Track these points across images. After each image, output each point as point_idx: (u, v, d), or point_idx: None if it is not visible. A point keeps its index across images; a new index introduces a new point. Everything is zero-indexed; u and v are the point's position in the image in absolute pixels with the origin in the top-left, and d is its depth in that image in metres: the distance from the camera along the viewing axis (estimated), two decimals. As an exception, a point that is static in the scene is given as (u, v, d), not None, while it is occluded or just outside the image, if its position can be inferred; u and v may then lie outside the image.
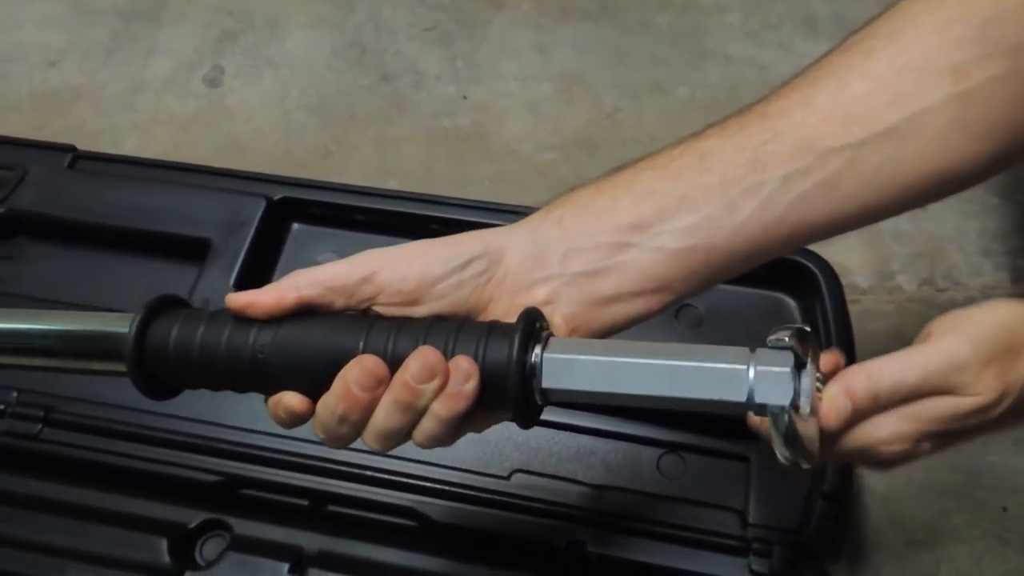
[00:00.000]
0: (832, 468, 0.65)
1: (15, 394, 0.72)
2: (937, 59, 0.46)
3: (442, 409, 0.42)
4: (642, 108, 0.92)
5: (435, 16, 1.01)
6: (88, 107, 0.98)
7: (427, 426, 0.43)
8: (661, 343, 0.43)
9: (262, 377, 0.45)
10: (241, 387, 0.46)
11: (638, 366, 0.42)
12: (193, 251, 0.80)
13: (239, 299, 0.45)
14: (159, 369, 0.46)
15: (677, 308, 0.75)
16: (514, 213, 0.79)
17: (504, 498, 0.66)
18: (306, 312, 0.45)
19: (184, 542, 0.68)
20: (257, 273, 0.80)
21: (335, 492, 0.68)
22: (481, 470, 0.67)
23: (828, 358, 0.46)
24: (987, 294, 0.75)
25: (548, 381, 0.43)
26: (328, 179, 0.84)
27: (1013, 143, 0.47)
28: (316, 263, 0.81)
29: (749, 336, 0.73)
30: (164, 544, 0.67)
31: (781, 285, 0.76)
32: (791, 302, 0.76)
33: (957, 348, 0.43)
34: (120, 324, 0.46)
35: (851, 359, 0.70)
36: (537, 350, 0.43)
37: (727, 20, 0.98)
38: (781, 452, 0.41)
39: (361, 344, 0.44)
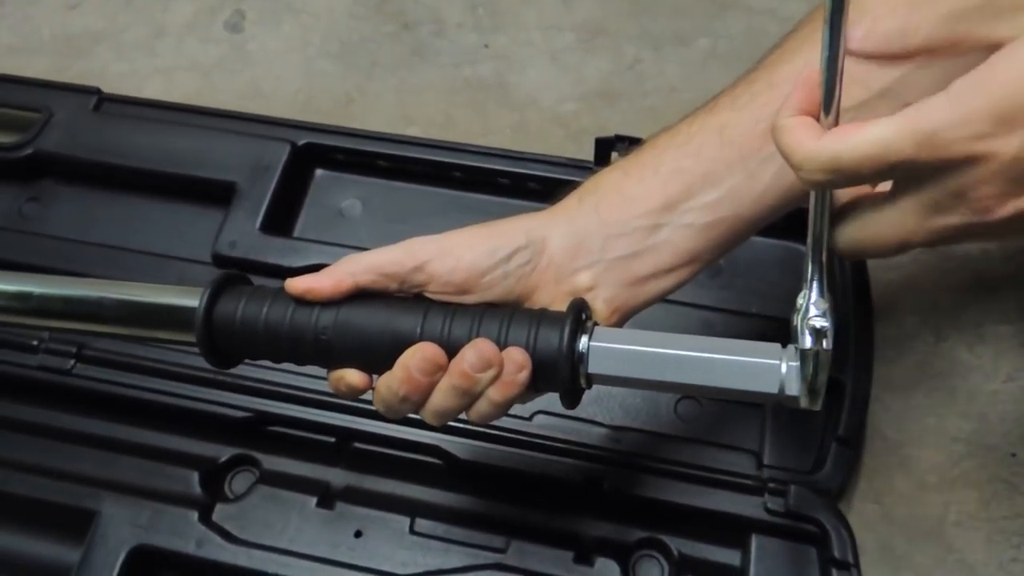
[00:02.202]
0: (846, 412, 0.67)
1: (47, 331, 0.74)
2: None
3: (496, 395, 0.46)
4: (663, 59, 0.92)
5: (455, -36, 1.01)
6: (109, 51, 0.98)
7: (481, 408, 0.47)
8: (698, 336, 0.47)
9: (324, 356, 0.49)
10: (303, 363, 0.50)
11: (678, 358, 0.45)
12: (218, 194, 0.81)
13: (298, 285, 0.48)
14: (225, 342, 0.50)
15: (696, 257, 0.77)
16: (536, 162, 0.80)
17: (526, 437, 0.68)
18: (362, 295, 0.49)
19: (214, 476, 0.71)
20: (282, 217, 0.81)
21: (361, 430, 0.70)
22: (504, 410, 0.69)
23: None
24: (1003, 247, 0.76)
25: (595, 369, 0.47)
26: (351, 126, 0.85)
27: None
28: (340, 209, 0.84)
29: (767, 284, 0.76)
30: (195, 477, 0.69)
31: (799, 235, 0.76)
32: (809, 252, 0.76)
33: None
34: (189, 298, 0.49)
35: (868, 310, 0.72)
36: (584, 340, 0.46)
37: (749, -28, 0.98)
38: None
39: (418, 329, 0.47)
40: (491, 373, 0.45)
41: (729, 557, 0.65)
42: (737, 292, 0.75)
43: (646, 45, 0.93)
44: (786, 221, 0.75)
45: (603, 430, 0.69)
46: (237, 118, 0.85)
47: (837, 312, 0.72)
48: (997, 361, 0.72)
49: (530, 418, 0.69)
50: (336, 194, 0.84)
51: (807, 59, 0.49)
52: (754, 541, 0.64)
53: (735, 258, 0.77)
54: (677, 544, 0.65)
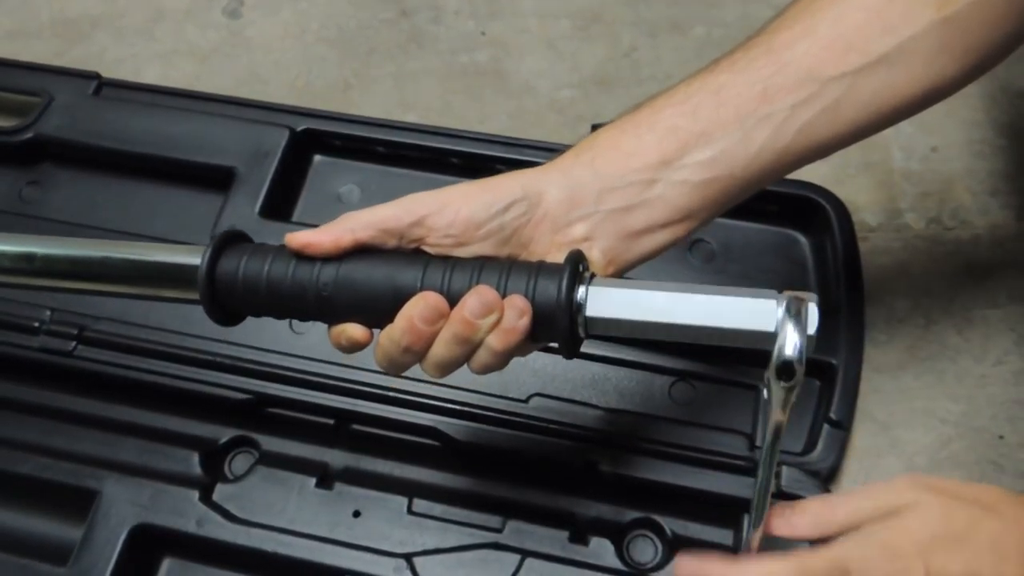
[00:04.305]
0: (837, 394, 0.68)
1: (49, 312, 0.75)
2: None
3: (497, 342, 0.46)
4: (659, 46, 0.93)
5: (453, -49, 1.01)
6: (108, 36, 0.99)
7: (482, 356, 0.47)
8: (695, 284, 0.47)
9: (327, 311, 0.49)
10: (306, 318, 0.51)
11: (675, 299, 0.46)
12: (218, 179, 0.81)
13: (298, 239, 0.49)
14: (228, 299, 0.50)
15: (690, 243, 0.78)
16: (532, 148, 0.81)
17: (522, 419, 0.69)
18: (362, 251, 0.49)
19: (214, 456, 0.71)
20: (281, 202, 0.82)
21: (360, 411, 0.70)
22: (501, 393, 0.70)
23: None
24: (993, 233, 0.77)
25: (592, 314, 0.47)
26: (349, 112, 0.85)
27: (987, 59, 0.52)
28: (338, 195, 0.85)
29: (760, 270, 0.77)
30: (196, 458, 0.70)
31: (793, 221, 0.78)
32: (802, 238, 0.78)
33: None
34: (192, 256, 0.50)
35: (859, 294, 0.73)
36: (582, 289, 0.47)
37: (745, -40, 0.98)
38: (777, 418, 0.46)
39: (419, 282, 0.48)
40: (492, 319, 0.46)
41: (721, 536, 0.66)
42: (731, 277, 0.76)
43: (642, 33, 0.94)
44: (781, 208, 0.77)
45: (598, 412, 0.69)
46: (237, 104, 0.85)
47: (829, 295, 0.73)
48: (986, 345, 0.73)
49: (526, 400, 0.70)
50: (334, 180, 0.85)
51: (806, 27, 0.51)
52: (746, 520, 0.65)
53: (729, 243, 0.78)
54: (670, 524, 0.66)
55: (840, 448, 0.67)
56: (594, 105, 0.90)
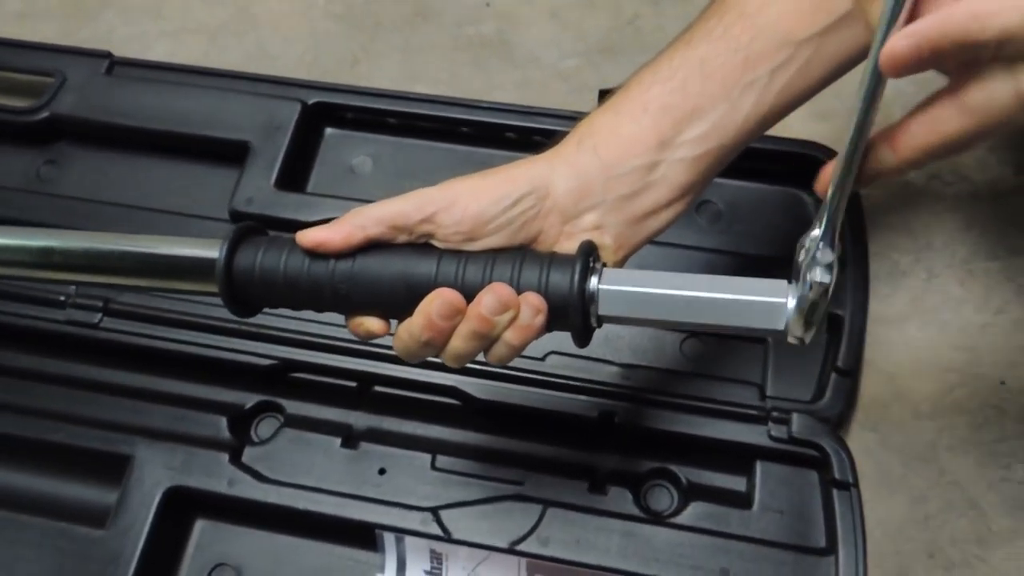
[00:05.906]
0: (844, 344, 0.70)
1: (74, 287, 0.76)
2: None
3: (513, 338, 0.48)
4: (662, 14, 0.94)
5: (454, -75, 1.02)
6: (116, 15, 1.00)
7: (498, 350, 0.49)
8: (706, 276, 0.49)
9: (343, 304, 0.51)
10: (322, 310, 0.52)
11: (687, 299, 0.47)
12: (232, 153, 0.83)
13: (309, 238, 0.50)
14: (245, 291, 0.51)
15: (697, 204, 0.80)
16: (542, 115, 0.82)
17: (540, 376, 0.71)
18: (374, 246, 0.50)
19: (241, 421, 0.74)
20: (295, 174, 0.83)
21: (381, 374, 0.73)
22: (518, 352, 0.72)
23: None
24: (992, 188, 0.79)
25: (605, 308, 0.49)
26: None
27: None
28: (351, 166, 0.86)
29: (766, 228, 0.79)
30: (224, 422, 0.72)
31: (797, 181, 0.79)
32: (806, 197, 0.79)
33: None
34: (209, 250, 0.51)
35: (863, 249, 0.75)
36: (594, 281, 0.48)
37: (743, -73, 0.99)
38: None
39: (433, 277, 0.49)
40: (508, 316, 0.48)
41: (735, 483, 0.69)
42: (737, 236, 0.78)
43: (644, 1, 0.95)
44: (783, 167, 0.79)
45: (613, 368, 0.72)
46: (248, 79, 0.87)
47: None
48: (987, 295, 0.75)
49: (543, 358, 0.72)
50: (347, 151, 0.87)
51: None
52: (759, 467, 0.67)
53: (736, 204, 0.80)
54: (686, 473, 0.69)
55: (847, 396, 0.69)
56: (599, 73, 0.92)
